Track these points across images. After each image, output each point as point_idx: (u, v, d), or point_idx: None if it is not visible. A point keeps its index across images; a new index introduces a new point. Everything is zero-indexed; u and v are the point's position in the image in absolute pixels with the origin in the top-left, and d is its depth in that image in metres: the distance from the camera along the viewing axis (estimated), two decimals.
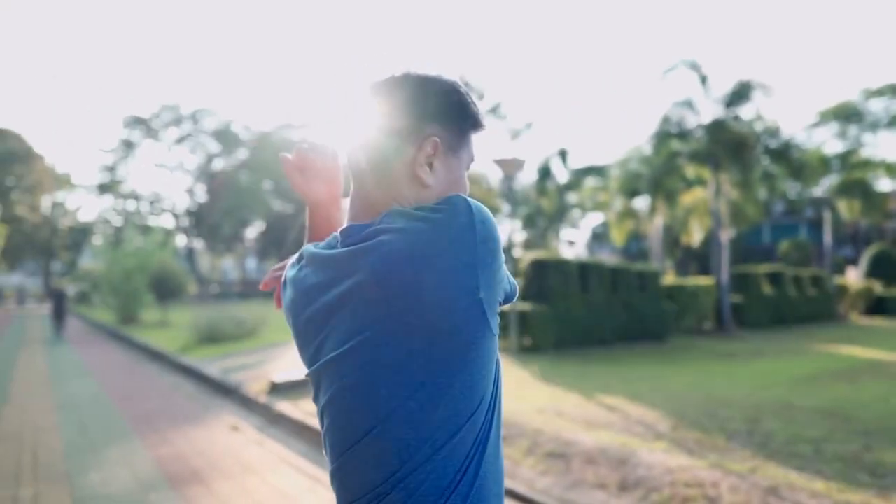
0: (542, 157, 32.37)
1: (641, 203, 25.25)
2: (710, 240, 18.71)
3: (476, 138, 1.02)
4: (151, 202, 45.93)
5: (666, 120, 18.34)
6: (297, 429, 5.93)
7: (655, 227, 24.87)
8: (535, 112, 67.38)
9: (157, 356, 12.35)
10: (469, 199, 0.85)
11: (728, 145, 16.90)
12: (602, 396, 6.90)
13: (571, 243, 45.25)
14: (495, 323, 0.85)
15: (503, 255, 0.86)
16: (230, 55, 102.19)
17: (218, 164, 45.96)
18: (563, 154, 31.35)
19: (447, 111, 0.96)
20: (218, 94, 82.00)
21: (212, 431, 6.18)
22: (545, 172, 31.87)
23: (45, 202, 53.23)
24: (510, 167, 10.07)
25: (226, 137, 45.26)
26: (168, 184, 56.06)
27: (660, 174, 19.05)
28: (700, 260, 31.79)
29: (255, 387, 7.71)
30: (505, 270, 0.88)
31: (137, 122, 43.93)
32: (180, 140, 45.08)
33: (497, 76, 68.41)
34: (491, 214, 0.86)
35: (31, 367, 11.75)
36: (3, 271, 56.42)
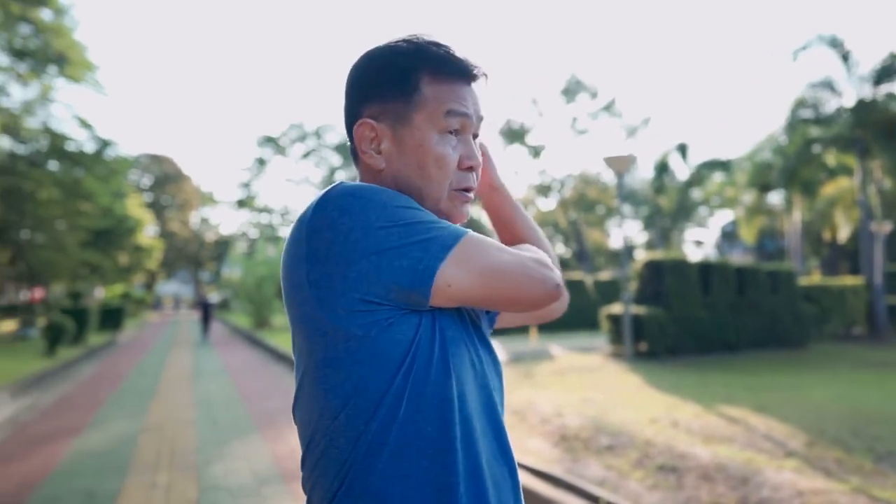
0: (660, 153, 30.75)
1: (775, 197, 23.16)
2: (861, 235, 16.71)
3: (467, 85, 0.91)
4: (282, 214, 49.48)
5: (800, 104, 16.70)
6: None
7: (793, 222, 22.68)
8: (652, 106, 64.34)
9: (282, 358, 13.22)
10: (338, 185, 0.81)
11: (878, 128, 15.04)
12: (723, 407, 6.36)
13: (699, 243, 42.51)
14: (356, 320, 0.78)
15: (361, 245, 0.77)
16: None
17: (340, 176, 48.50)
18: (682, 149, 29.57)
19: (383, 82, 0.90)
20: (338, 110, 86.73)
21: None
22: (662, 169, 30.25)
23: (194, 218, 59.28)
24: (621, 165, 9.65)
25: (346, 151, 47.74)
26: (296, 197, 60.23)
27: (795, 164, 17.36)
28: (852, 258, 28.50)
29: None
30: (388, 258, 0.77)
31: (268, 140, 47.54)
32: (305, 155, 48.14)
33: (611, 72, 66.16)
34: (349, 202, 0.79)
35: (179, 366, 13.08)
36: (162, 281, 63.43)
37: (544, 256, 0.88)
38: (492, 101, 0.98)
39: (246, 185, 49.02)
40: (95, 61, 20.62)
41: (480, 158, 0.95)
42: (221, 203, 54.91)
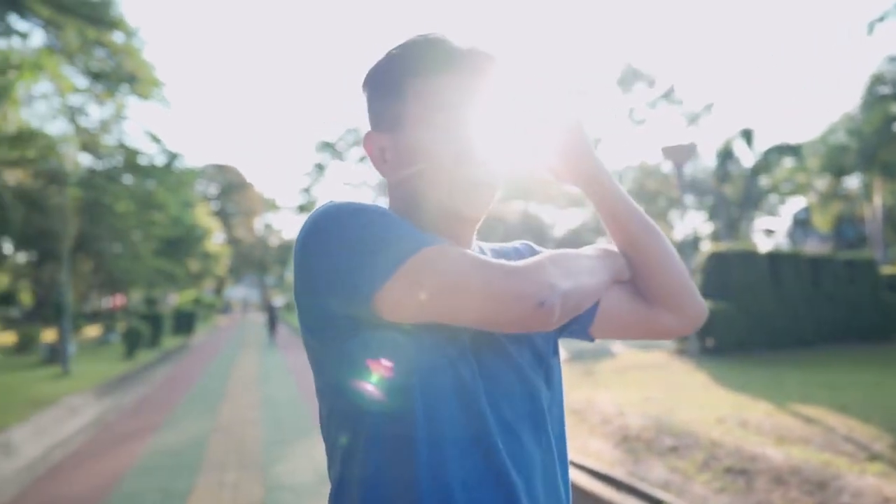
0: (723, 139, 29.51)
1: (852, 182, 21.81)
2: None
3: (443, 78, 0.85)
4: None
5: (877, 80, 15.65)
6: None
7: (873, 208, 21.29)
8: (714, 92, 61.83)
9: None
10: (324, 204, 0.84)
11: None
12: (798, 406, 6.03)
13: (769, 233, 40.53)
14: (322, 333, 0.83)
15: (321, 263, 0.79)
16: None
17: None
18: (747, 134, 28.23)
19: (380, 92, 0.90)
20: None
21: None
22: (726, 156, 29.01)
23: (258, 224, 61.49)
24: (680, 154, 9.32)
25: None
26: (354, 199, 61.46)
27: (874, 145, 16.29)
28: None
29: None
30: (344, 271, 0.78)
31: (326, 146, 48.70)
32: (362, 158, 49.05)
33: (670, 58, 64.05)
34: (320, 222, 0.81)
35: (246, 367, 13.59)
36: (230, 286, 66.10)
37: (543, 270, 0.79)
38: (513, 85, 0.92)
39: (306, 191, 50.39)
40: (161, 78, 21.66)
41: (483, 149, 0.86)
42: (283, 209, 56.68)
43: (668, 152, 9.24)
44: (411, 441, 0.79)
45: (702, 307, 0.97)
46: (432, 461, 0.79)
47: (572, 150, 0.93)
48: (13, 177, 16.42)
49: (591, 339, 1.01)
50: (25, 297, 34.01)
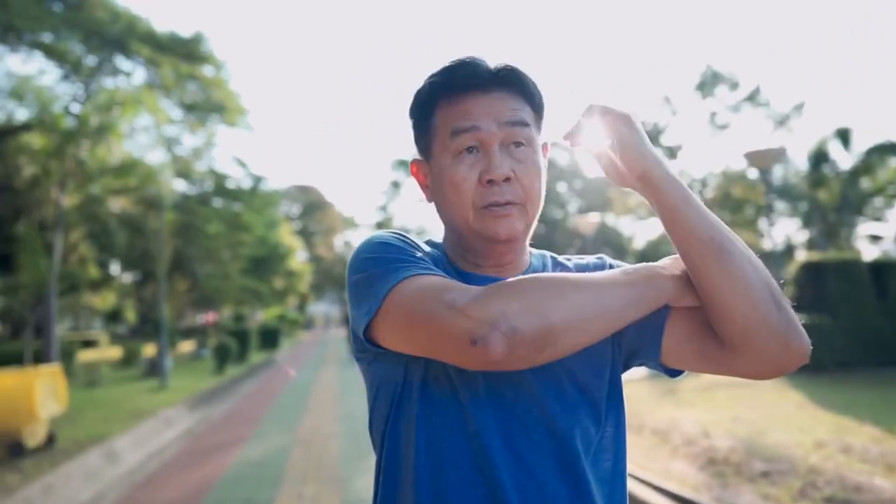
0: (815, 141, 27.65)
1: None
2: None
3: (448, 109, 0.86)
4: (418, 233, 51.45)
5: None
6: None
7: None
8: (805, 90, 58.19)
9: None
10: (365, 238, 0.89)
11: None
12: None
13: (875, 239, 37.55)
14: (359, 354, 0.90)
15: (366, 284, 0.83)
16: None
17: None
18: (842, 134, 26.29)
19: (414, 121, 0.94)
20: None
21: None
22: (820, 158, 27.12)
23: (338, 242, 63.59)
24: (764, 160, 8.82)
25: None
26: (429, 216, 62.38)
27: None
28: None
29: None
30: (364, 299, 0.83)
31: (401, 164, 49.77)
32: None
33: (754, 58, 60.97)
34: (367, 245, 0.87)
35: (327, 382, 13.99)
36: (312, 302, 68.51)
37: (486, 302, 0.72)
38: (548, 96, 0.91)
39: (383, 208, 51.61)
40: (245, 105, 23.04)
41: (502, 168, 0.83)
42: (362, 226, 58.25)
43: (752, 158, 8.76)
44: (413, 468, 0.83)
45: (799, 350, 0.77)
46: (432, 488, 0.82)
47: (623, 145, 0.81)
48: (117, 204, 17.95)
49: (670, 373, 0.91)
50: (130, 315, 36.67)
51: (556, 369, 0.85)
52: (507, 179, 0.84)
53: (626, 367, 0.94)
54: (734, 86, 30.66)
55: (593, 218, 14.97)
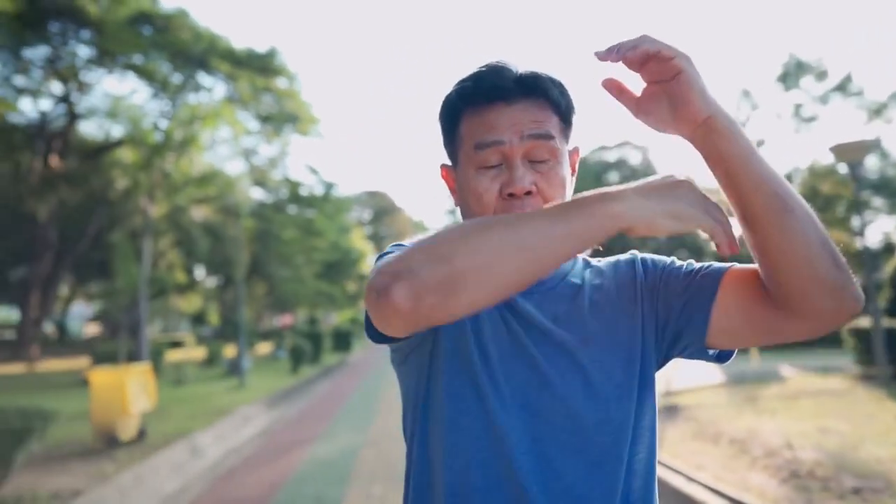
0: None
1: None
2: None
3: (474, 118, 0.85)
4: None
5: None
6: None
7: None
8: None
9: None
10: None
11: None
12: None
13: None
14: (392, 352, 0.95)
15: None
16: None
17: None
18: None
19: (442, 127, 0.95)
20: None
21: None
22: None
23: None
24: (854, 153, 8.22)
25: None
26: None
27: None
28: None
29: None
30: None
31: None
32: None
33: (844, 44, 56.99)
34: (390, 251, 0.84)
35: (398, 385, 14.20)
36: None
37: (397, 255, 0.68)
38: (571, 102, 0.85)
39: (451, 213, 52.03)
40: (316, 114, 23.88)
41: (524, 182, 0.82)
42: (431, 230, 58.93)
43: (840, 151, 8.17)
44: (442, 470, 0.85)
45: (853, 306, 0.73)
46: (460, 491, 0.83)
47: (690, 83, 0.71)
48: (199, 213, 19.03)
49: (716, 358, 0.88)
50: (213, 317, 38.71)
51: (583, 363, 0.85)
52: (529, 193, 0.84)
53: (668, 357, 0.90)
54: (822, 75, 28.81)
55: None
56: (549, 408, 0.83)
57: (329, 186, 25.76)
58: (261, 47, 24.57)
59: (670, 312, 0.86)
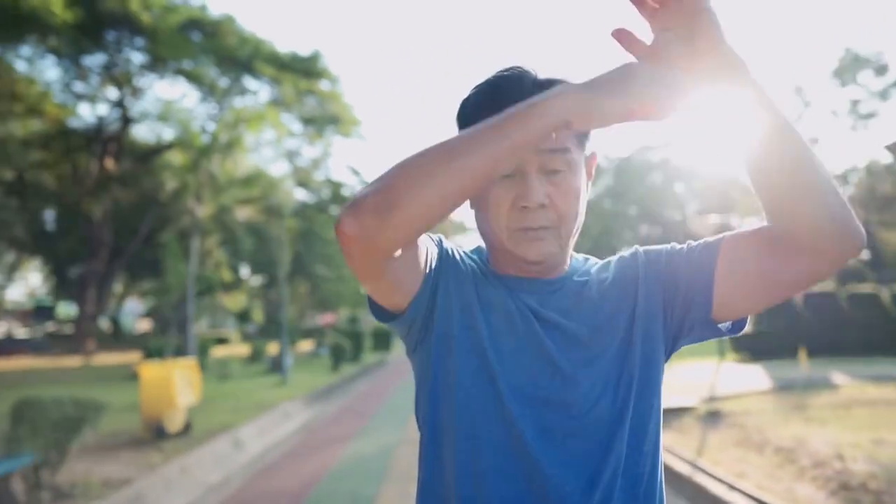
0: None
1: None
2: None
3: None
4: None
5: None
6: None
7: None
8: None
9: None
10: None
11: None
12: None
13: None
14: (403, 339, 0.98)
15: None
16: None
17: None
18: None
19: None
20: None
21: None
22: None
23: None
24: None
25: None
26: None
27: None
28: None
29: None
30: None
31: None
32: None
33: None
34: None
35: None
36: None
37: (358, 191, 0.72)
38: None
39: None
40: (357, 116, 24.26)
41: (537, 196, 0.84)
42: (471, 230, 58.97)
43: (894, 149, 7.79)
44: (454, 453, 0.87)
45: (857, 243, 0.76)
46: (472, 472, 0.85)
47: (710, 19, 0.69)
48: (243, 213, 19.55)
49: (730, 331, 0.90)
50: (258, 315, 39.67)
51: (594, 352, 0.88)
52: (542, 205, 0.86)
53: (677, 339, 0.92)
54: (881, 69, 27.53)
55: (711, 220, 14.05)
56: (557, 395, 0.86)
57: None
58: (304, 51, 25.08)
59: (676, 293, 0.89)
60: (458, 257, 0.95)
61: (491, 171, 0.72)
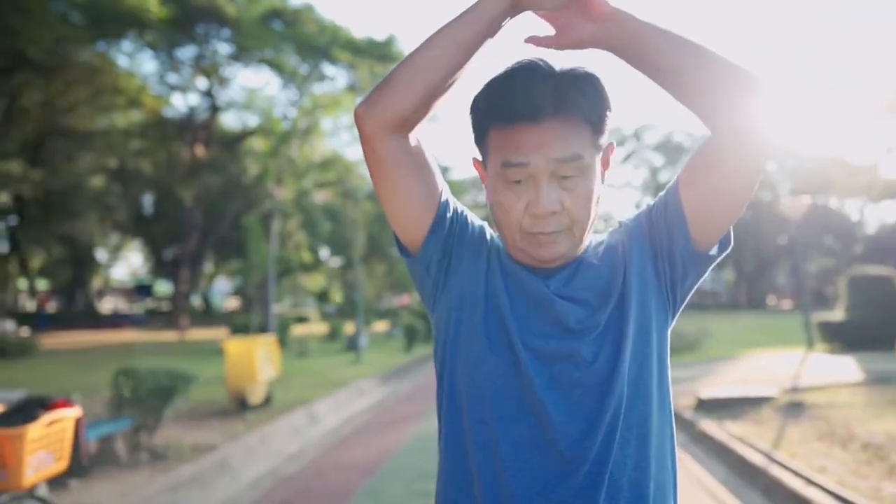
0: None
1: None
2: None
3: (500, 134, 0.90)
4: (604, 220, 49.83)
5: None
6: (718, 450, 5.50)
7: None
8: None
9: None
10: None
11: None
12: None
13: None
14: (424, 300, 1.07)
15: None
16: None
17: (663, 177, 46.54)
18: None
19: (472, 128, 0.98)
20: (658, 107, 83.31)
21: None
22: None
23: None
24: None
25: (668, 148, 45.62)
26: (616, 201, 59.83)
27: None
28: None
29: (683, 401, 7.47)
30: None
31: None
32: (625, 159, 47.55)
33: None
34: None
35: None
36: None
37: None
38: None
39: None
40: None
41: (549, 204, 0.87)
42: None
43: None
44: (460, 433, 0.96)
45: (756, 77, 0.84)
46: (486, 463, 0.92)
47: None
48: (321, 196, 20.21)
49: (719, 251, 0.95)
50: (336, 295, 41.07)
51: (600, 320, 0.93)
52: (554, 213, 0.89)
53: (675, 289, 0.97)
54: None
55: (804, 200, 13.17)
56: (566, 350, 0.92)
57: (444, 170, 26.20)
58: (380, 35, 25.41)
59: (660, 240, 0.95)
60: (482, 232, 1.03)
61: (458, 56, 0.87)
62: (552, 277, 0.95)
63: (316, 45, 22.61)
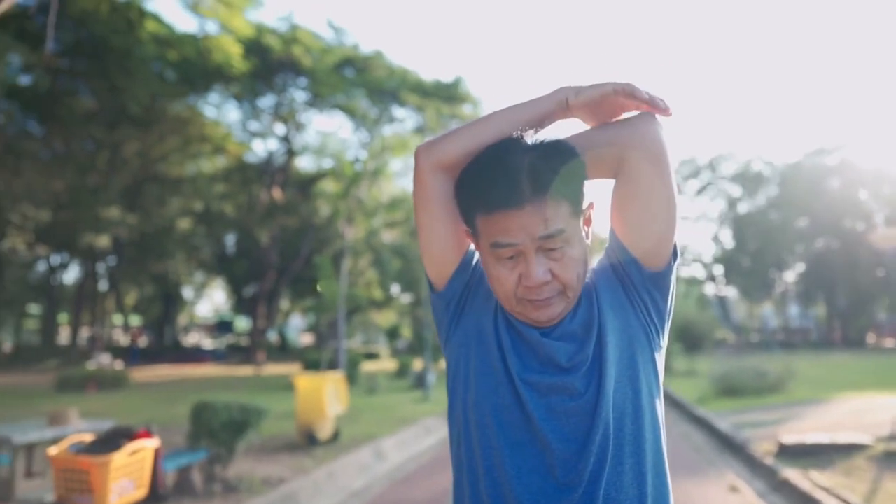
0: None
1: None
2: None
3: (490, 220, 0.98)
4: (681, 254, 47.88)
5: None
6: (801, 501, 5.11)
7: None
8: None
9: (676, 404, 12.70)
10: None
11: None
12: None
13: None
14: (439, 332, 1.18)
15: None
16: (747, 95, 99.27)
17: (742, 208, 44.59)
18: None
19: (460, 209, 1.09)
20: (735, 135, 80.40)
21: (709, 488, 5.96)
22: None
23: None
24: None
25: (747, 179, 43.76)
26: (693, 235, 57.57)
27: None
28: None
29: (763, 446, 7.02)
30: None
31: None
32: (700, 191, 45.95)
33: None
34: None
35: None
36: None
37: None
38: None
39: None
40: None
41: (540, 276, 0.96)
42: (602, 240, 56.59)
43: None
44: (463, 459, 1.07)
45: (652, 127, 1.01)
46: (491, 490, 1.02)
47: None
48: (389, 236, 20.72)
49: (668, 268, 1.05)
50: (406, 332, 41.47)
51: (589, 353, 1.02)
52: (545, 283, 0.97)
53: (650, 311, 1.06)
54: None
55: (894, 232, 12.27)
56: (560, 383, 1.01)
57: None
58: (447, 76, 26.14)
59: (620, 271, 1.07)
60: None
61: (510, 130, 1.01)
62: (548, 335, 1.05)
63: (385, 88, 23.54)
